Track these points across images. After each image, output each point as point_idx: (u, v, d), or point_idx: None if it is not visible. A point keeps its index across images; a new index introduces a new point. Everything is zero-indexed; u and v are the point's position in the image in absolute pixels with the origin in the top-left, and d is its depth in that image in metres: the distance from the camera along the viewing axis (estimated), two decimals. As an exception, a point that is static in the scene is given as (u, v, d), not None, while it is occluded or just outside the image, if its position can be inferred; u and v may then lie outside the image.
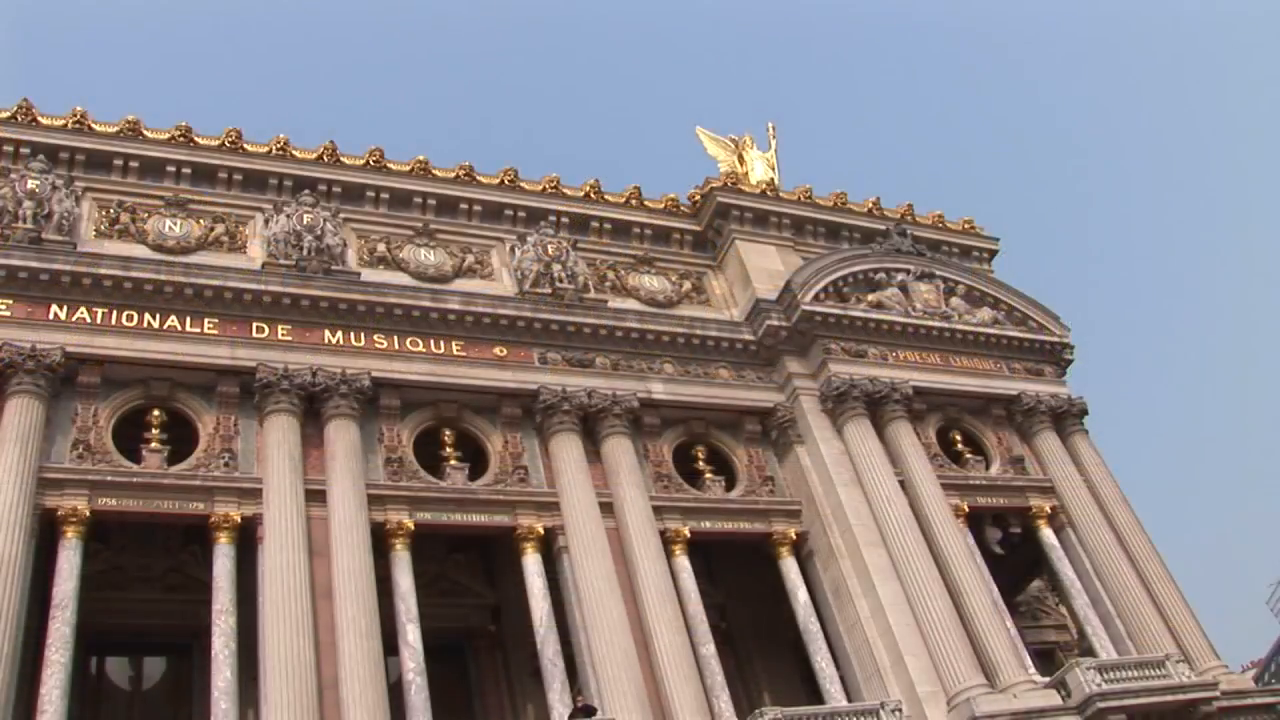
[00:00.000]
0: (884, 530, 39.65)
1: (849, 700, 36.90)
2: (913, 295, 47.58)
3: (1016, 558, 46.36)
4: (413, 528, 35.93)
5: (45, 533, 32.62)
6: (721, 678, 36.13)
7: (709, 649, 36.56)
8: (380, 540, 35.28)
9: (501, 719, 39.52)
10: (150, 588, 37.75)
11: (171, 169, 41.29)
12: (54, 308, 35.87)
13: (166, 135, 41.60)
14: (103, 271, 36.57)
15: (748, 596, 43.44)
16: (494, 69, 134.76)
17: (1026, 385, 47.47)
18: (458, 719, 38.65)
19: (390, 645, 33.45)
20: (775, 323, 44.17)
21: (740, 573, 43.35)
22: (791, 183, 51.67)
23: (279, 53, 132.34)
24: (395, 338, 39.18)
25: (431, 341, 39.61)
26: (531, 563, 36.73)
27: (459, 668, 40.37)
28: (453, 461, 38.02)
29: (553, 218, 45.75)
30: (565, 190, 47.02)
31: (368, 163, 44.09)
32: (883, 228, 50.75)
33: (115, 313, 36.46)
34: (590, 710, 31.98)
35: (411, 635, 33.69)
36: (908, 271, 48.31)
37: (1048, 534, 44.24)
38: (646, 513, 38.39)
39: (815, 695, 38.26)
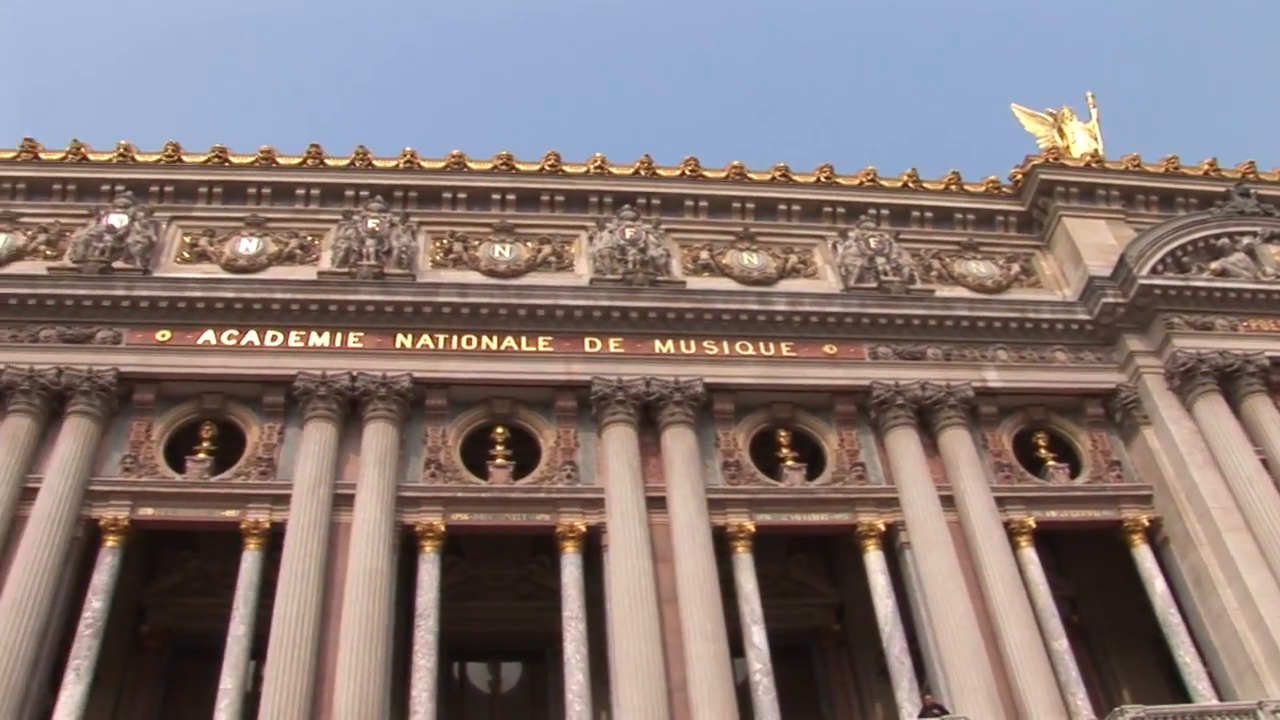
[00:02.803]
0: (1247, 514, 36.84)
1: (1220, 699, 34.42)
2: (1261, 259, 44.30)
3: None
4: (753, 530, 36.29)
5: (405, 547, 35.00)
6: (1076, 673, 34.56)
7: (1061, 643, 35.08)
8: (721, 543, 35.76)
9: (850, 719, 39.33)
10: (504, 596, 39.82)
11: (497, 197, 43.73)
12: (400, 336, 38.68)
13: (490, 165, 44.07)
14: (441, 299, 39.06)
15: (1100, 588, 41.55)
16: (798, 67, 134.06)
17: None
18: (805, 719, 38.74)
19: (735, 647, 33.82)
20: (1111, 300, 42.07)
21: (1090, 563, 41.57)
22: (1116, 152, 49.11)
23: (592, 71, 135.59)
24: (725, 343, 39.78)
25: (761, 344, 39.99)
26: (873, 560, 36.36)
27: (805, 668, 40.38)
28: (789, 462, 38.18)
29: (872, 211, 45.31)
30: (882, 182, 46.47)
31: (683, 173, 45.01)
32: (1221, 190, 47.37)
33: (456, 337, 38.87)
34: (940, 709, 31.46)
35: (757, 637, 33.95)
36: (1254, 234, 44.98)
37: None
38: (989, 504, 37.30)
39: (1179, 692, 36.09)
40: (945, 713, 31.35)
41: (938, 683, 33.75)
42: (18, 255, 40.67)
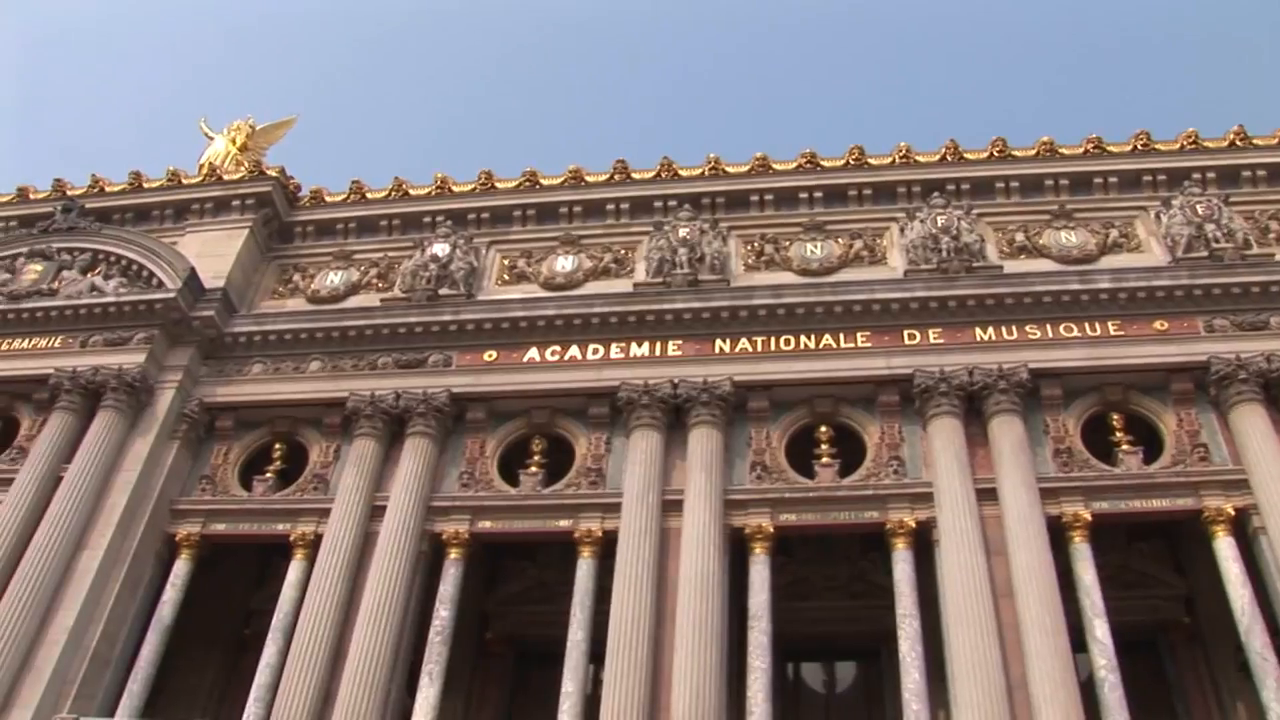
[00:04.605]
0: None
1: None
2: None
3: None
4: (1089, 519, 34.49)
5: (734, 550, 35.25)
6: None
7: None
8: (1056, 534, 34.23)
9: (1207, 719, 36.98)
10: (835, 596, 39.56)
11: (804, 195, 43.66)
12: (718, 342, 39.07)
13: (794, 164, 44.00)
14: (756, 302, 39.21)
15: None
16: (1103, 32, 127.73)
17: None
18: (1157, 718, 36.84)
19: (1076, 642, 32.27)
20: None
21: None
22: None
23: (889, 60, 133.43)
24: (1047, 326, 38.23)
25: (1086, 324, 38.15)
26: (1223, 547, 33.67)
27: (1154, 664, 38.15)
28: (1124, 446, 36.13)
29: (1196, 175, 42.53)
30: (1206, 144, 43.50)
31: (991, 154, 43.65)
32: None
33: (773, 339, 38.89)
34: (1320, 713, 29.10)
35: (1099, 631, 32.24)
36: None
37: None
38: (1356, 483, 34.18)
39: None
40: (1324, 716, 28.98)
41: (1311, 682, 31.17)
42: (353, 290, 43.71)
